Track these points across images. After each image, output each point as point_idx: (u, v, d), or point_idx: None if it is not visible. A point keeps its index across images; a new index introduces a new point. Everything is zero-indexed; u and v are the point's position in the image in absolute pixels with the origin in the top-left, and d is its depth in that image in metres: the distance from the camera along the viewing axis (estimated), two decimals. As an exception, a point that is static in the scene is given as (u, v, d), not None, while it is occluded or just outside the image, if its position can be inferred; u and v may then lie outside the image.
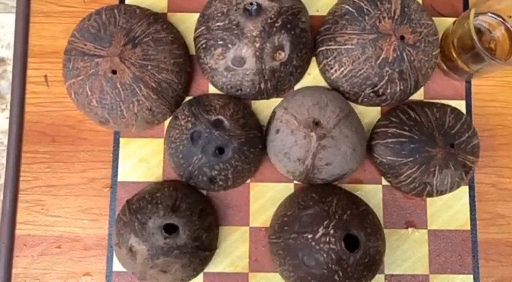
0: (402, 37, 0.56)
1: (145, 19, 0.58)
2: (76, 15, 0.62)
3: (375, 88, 0.58)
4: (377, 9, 0.56)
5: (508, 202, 0.62)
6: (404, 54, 0.56)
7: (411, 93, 0.61)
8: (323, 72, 0.62)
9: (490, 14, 0.58)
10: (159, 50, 0.57)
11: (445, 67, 0.62)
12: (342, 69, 0.58)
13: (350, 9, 0.57)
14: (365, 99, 0.60)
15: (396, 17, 0.56)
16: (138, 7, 0.60)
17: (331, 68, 0.59)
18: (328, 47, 0.59)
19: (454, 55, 0.59)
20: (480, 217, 0.61)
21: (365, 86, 0.58)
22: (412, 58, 0.56)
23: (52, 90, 0.64)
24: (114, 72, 0.55)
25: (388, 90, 0.58)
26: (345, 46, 0.57)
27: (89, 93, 0.56)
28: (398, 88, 0.58)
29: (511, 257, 0.61)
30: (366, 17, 0.56)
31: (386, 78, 0.57)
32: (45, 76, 0.64)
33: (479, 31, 0.59)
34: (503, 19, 0.58)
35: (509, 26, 0.58)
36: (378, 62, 0.56)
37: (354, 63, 0.57)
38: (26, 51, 0.64)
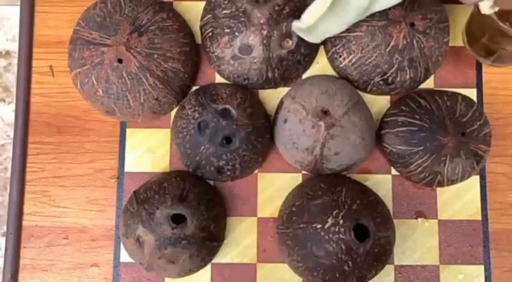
0: (412, 24, 0.55)
1: (151, 7, 0.57)
2: (81, 4, 0.61)
3: (385, 76, 0.57)
4: None
5: (520, 192, 0.61)
6: (414, 41, 0.55)
7: (421, 82, 0.60)
8: (331, 60, 0.61)
9: None
10: (165, 38, 0.56)
11: (470, 51, 0.61)
12: (351, 57, 0.58)
13: None
14: (374, 88, 0.60)
15: (406, 3, 0.55)
16: (143, -5, 0.60)
17: (340, 56, 0.59)
18: (336, 35, 0.58)
19: (480, 35, 0.57)
20: (491, 207, 0.61)
21: (375, 74, 0.58)
22: (422, 45, 0.55)
23: (57, 80, 0.64)
24: (120, 61, 0.54)
25: (398, 78, 0.58)
26: (354, 33, 0.56)
27: (95, 83, 0.56)
28: (408, 76, 0.57)
29: (523, 247, 0.60)
30: None
31: (396, 66, 0.56)
32: (51, 66, 0.64)
33: None
34: None
35: None
36: (388, 49, 0.55)
37: (363, 50, 0.56)
38: (31, 41, 0.64)
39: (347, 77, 0.60)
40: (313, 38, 0.56)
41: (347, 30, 0.57)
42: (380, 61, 0.56)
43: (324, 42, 0.61)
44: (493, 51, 0.58)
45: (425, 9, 0.55)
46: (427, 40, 0.56)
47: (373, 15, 0.55)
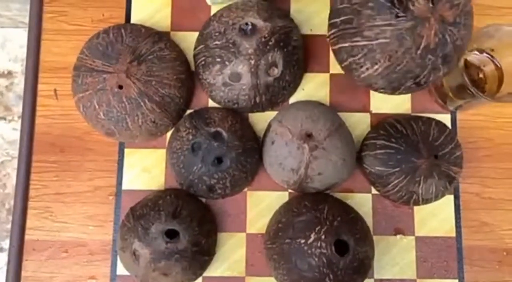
0: (442, 17, 0.47)
1: (150, 38, 0.60)
2: (85, 33, 0.65)
3: (417, 80, 0.51)
4: None
5: (491, 210, 0.64)
6: (447, 36, 0.48)
7: (446, 74, 0.53)
8: (348, 70, 0.53)
9: (475, 52, 0.59)
10: (163, 67, 0.59)
11: (438, 99, 0.64)
12: (376, 66, 0.50)
13: None
14: (404, 91, 0.54)
15: None
16: (143, 26, 0.63)
17: (361, 66, 0.51)
18: (353, 44, 0.50)
19: (447, 88, 0.60)
20: (465, 225, 0.63)
21: (405, 80, 0.51)
22: (455, 38, 0.48)
23: (61, 103, 0.66)
24: (120, 87, 0.57)
25: (431, 78, 0.51)
26: (377, 41, 0.49)
27: (97, 106, 0.59)
28: (441, 73, 0.51)
29: (494, 262, 0.63)
30: (396, 2, 0.47)
31: (430, 66, 0.49)
32: (55, 90, 0.67)
33: (471, 65, 0.59)
34: (491, 55, 0.59)
35: (496, 62, 0.58)
36: (419, 52, 0.48)
37: (392, 58, 0.49)
38: (37, 66, 0.67)
39: (370, 85, 0.54)
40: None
41: (367, 38, 0.49)
42: (412, 66, 0.49)
43: (334, 51, 0.54)
44: (455, 100, 0.61)
45: None
46: (459, 30, 0.48)
47: (396, 16, 0.47)
